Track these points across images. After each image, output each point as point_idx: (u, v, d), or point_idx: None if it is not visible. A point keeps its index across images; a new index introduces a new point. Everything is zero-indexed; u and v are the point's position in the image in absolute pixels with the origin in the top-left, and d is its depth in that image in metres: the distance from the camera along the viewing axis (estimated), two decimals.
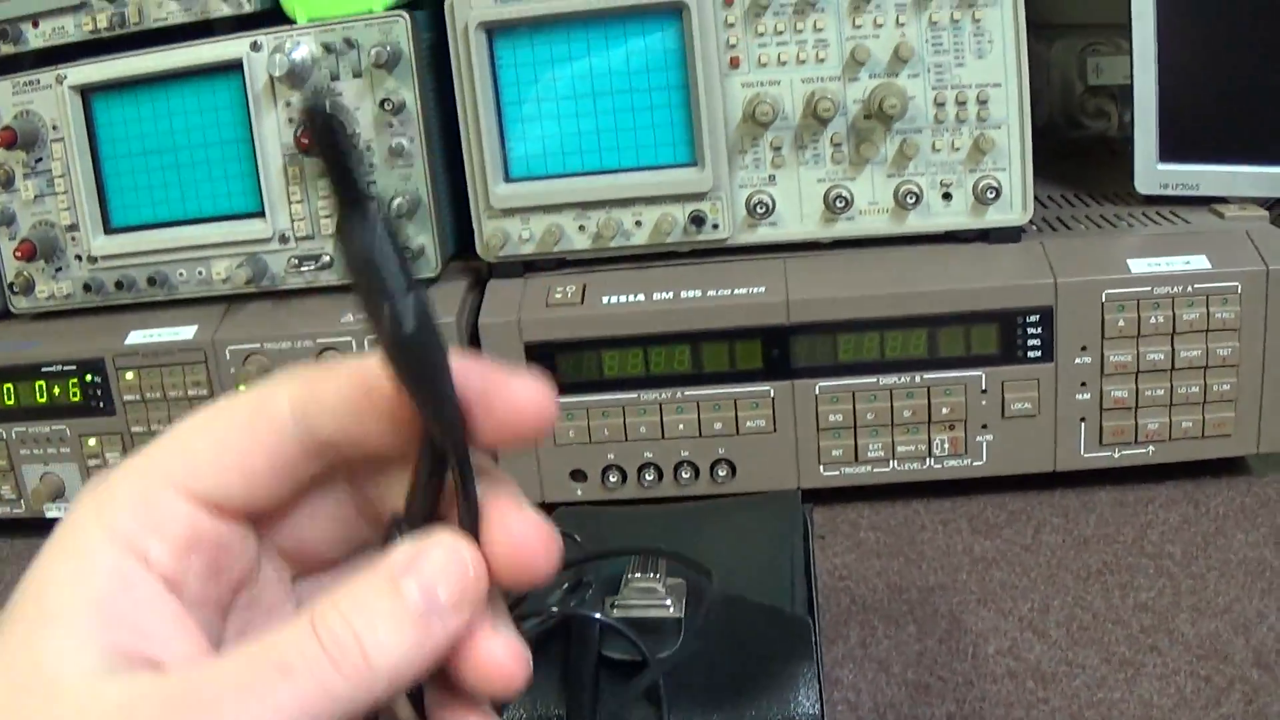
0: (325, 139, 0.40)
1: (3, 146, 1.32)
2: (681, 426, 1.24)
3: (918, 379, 1.21)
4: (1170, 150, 1.28)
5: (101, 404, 1.33)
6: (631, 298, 1.23)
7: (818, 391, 1.22)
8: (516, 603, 0.49)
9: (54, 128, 1.32)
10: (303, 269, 1.31)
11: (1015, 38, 1.20)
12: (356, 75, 1.26)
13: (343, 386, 0.45)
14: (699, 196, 1.25)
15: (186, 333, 1.31)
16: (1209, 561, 1.10)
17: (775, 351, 1.21)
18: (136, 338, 1.32)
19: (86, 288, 1.36)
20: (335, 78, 1.26)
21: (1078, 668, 0.97)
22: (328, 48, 1.25)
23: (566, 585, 0.83)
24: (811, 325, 1.20)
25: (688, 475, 1.25)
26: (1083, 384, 1.20)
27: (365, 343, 1.26)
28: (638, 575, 0.82)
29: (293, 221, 1.30)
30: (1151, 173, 1.29)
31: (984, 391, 1.20)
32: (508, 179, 1.27)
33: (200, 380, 1.29)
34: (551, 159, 1.26)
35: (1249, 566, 1.09)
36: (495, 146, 1.26)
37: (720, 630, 0.78)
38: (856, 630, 1.05)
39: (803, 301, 1.20)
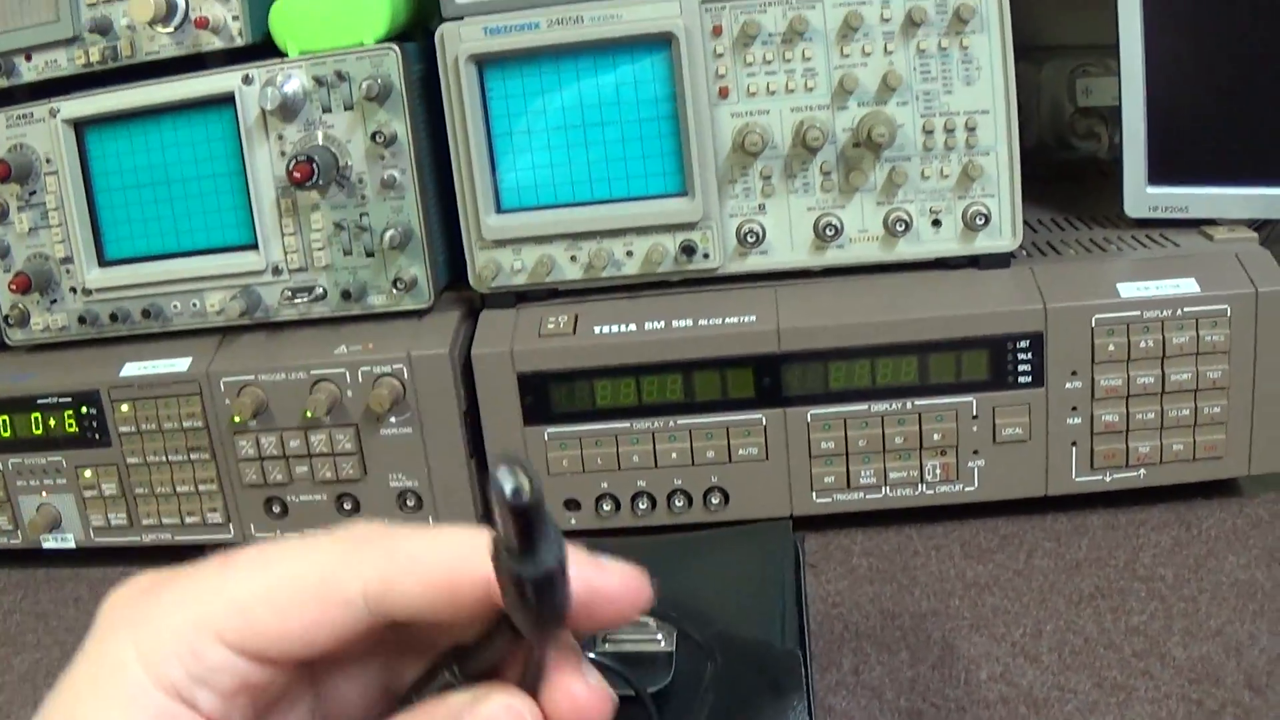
0: (523, 502, 0.42)
1: None
2: (674, 455, 1.24)
3: (909, 405, 1.21)
4: (1159, 173, 1.29)
5: (97, 435, 1.33)
6: (623, 327, 1.24)
7: (809, 419, 1.22)
8: None
9: (47, 161, 1.33)
10: (296, 301, 1.31)
11: (1003, 65, 1.20)
12: (348, 108, 1.26)
13: (426, 585, 0.46)
14: (689, 226, 1.25)
15: (181, 364, 1.31)
16: (1201, 584, 1.10)
17: (767, 379, 1.22)
18: (131, 370, 1.32)
19: (81, 320, 1.37)
20: (326, 110, 1.26)
21: (1070, 692, 0.97)
22: (319, 80, 1.26)
23: None
24: (803, 353, 1.21)
25: (681, 503, 1.25)
26: (1073, 408, 1.20)
27: (359, 375, 1.26)
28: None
29: (285, 254, 1.30)
30: (1140, 196, 1.30)
31: (975, 417, 1.21)
32: (499, 210, 1.28)
33: (195, 412, 1.30)
34: (542, 190, 1.27)
35: (1241, 589, 1.09)
36: (486, 177, 1.26)
37: (711, 665, 0.79)
38: (849, 657, 1.05)
39: (794, 330, 1.21)
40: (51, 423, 1.34)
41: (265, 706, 0.48)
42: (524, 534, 0.43)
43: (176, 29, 1.28)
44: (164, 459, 1.32)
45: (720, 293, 1.27)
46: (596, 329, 1.24)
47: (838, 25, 1.20)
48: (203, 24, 1.27)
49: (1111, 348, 1.18)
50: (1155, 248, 1.27)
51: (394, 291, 1.30)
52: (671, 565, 0.94)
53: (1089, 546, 1.19)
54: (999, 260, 1.25)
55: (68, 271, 1.36)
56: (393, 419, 1.27)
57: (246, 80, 1.27)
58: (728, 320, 1.22)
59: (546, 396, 1.25)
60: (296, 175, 1.23)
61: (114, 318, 1.35)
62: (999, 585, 1.14)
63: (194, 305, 1.34)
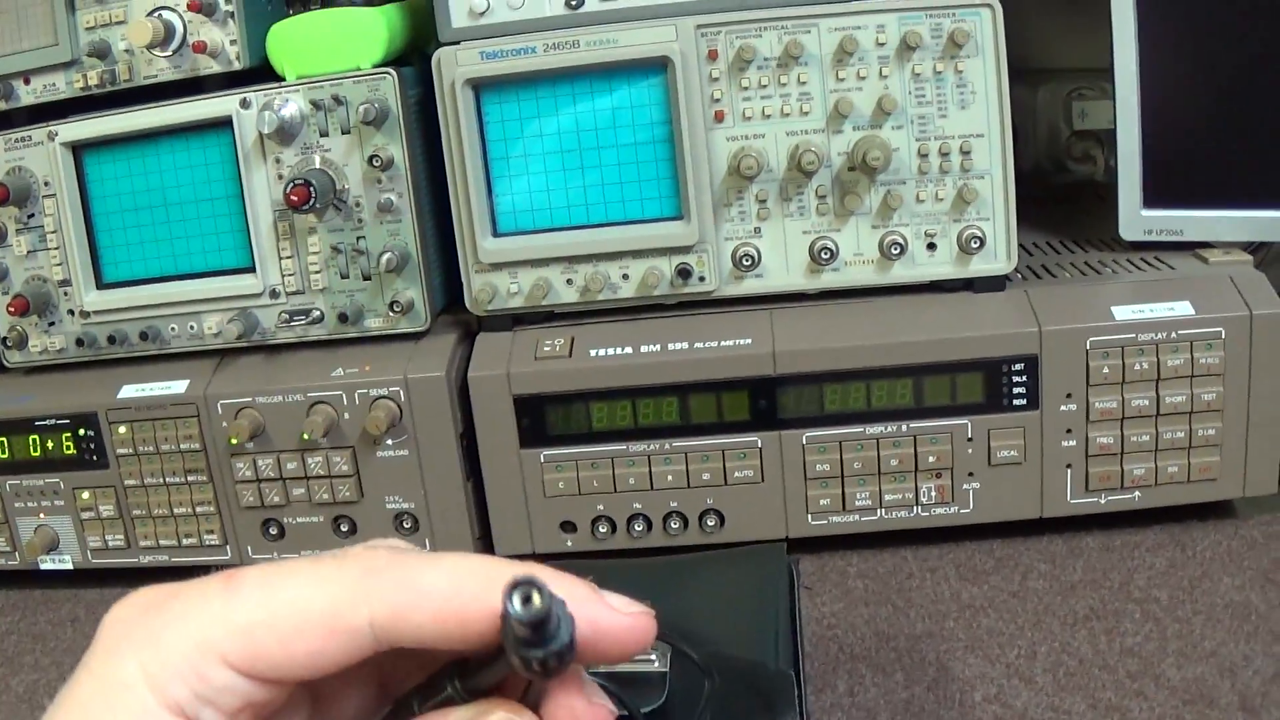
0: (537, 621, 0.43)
1: None
2: (670, 477, 1.24)
3: (904, 428, 1.21)
4: (1154, 196, 1.29)
5: (95, 457, 1.33)
6: (619, 350, 1.24)
7: (805, 441, 1.22)
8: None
9: (46, 184, 1.33)
10: (293, 323, 1.32)
11: (998, 88, 1.21)
12: (345, 131, 1.27)
13: (437, 617, 0.46)
14: (685, 249, 1.26)
15: (178, 387, 1.31)
16: (1195, 605, 1.11)
17: (762, 402, 1.22)
18: (129, 392, 1.33)
19: (79, 342, 1.37)
20: (324, 134, 1.27)
21: (1064, 714, 0.97)
22: (316, 104, 1.26)
23: None
24: (798, 376, 1.21)
25: (677, 525, 1.26)
26: (1068, 431, 1.20)
27: (356, 398, 1.26)
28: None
29: (283, 277, 1.31)
30: (1135, 219, 1.30)
31: (970, 440, 1.21)
32: (495, 233, 1.28)
33: (193, 434, 1.30)
34: (539, 213, 1.27)
35: (1235, 610, 1.09)
36: (483, 201, 1.27)
37: (706, 685, 0.79)
38: (844, 679, 1.05)
39: (789, 352, 1.21)
40: (49, 444, 1.34)
41: (267, 716, 0.48)
42: (536, 638, 0.44)
43: (174, 53, 1.29)
44: (161, 481, 1.32)
45: (716, 315, 1.28)
46: (592, 352, 1.25)
47: (833, 49, 1.20)
48: (200, 48, 1.28)
49: (1106, 370, 1.18)
50: (1150, 270, 1.27)
51: (391, 314, 1.30)
52: (666, 587, 0.94)
53: (1084, 568, 1.19)
54: (994, 283, 1.25)
55: (66, 294, 1.36)
56: (389, 441, 1.27)
57: (244, 104, 1.27)
58: (723, 343, 1.23)
59: (543, 419, 1.25)
60: (294, 199, 1.23)
61: (112, 340, 1.36)
62: (994, 607, 1.14)
63: (191, 328, 1.34)
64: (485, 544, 1.31)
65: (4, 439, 1.35)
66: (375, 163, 1.26)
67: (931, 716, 0.99)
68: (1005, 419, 1.20)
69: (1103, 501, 1.23)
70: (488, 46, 1.23)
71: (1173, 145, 1.28)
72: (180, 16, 1.28)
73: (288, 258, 1.30)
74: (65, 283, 1.35)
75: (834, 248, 1.24)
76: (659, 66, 1.22)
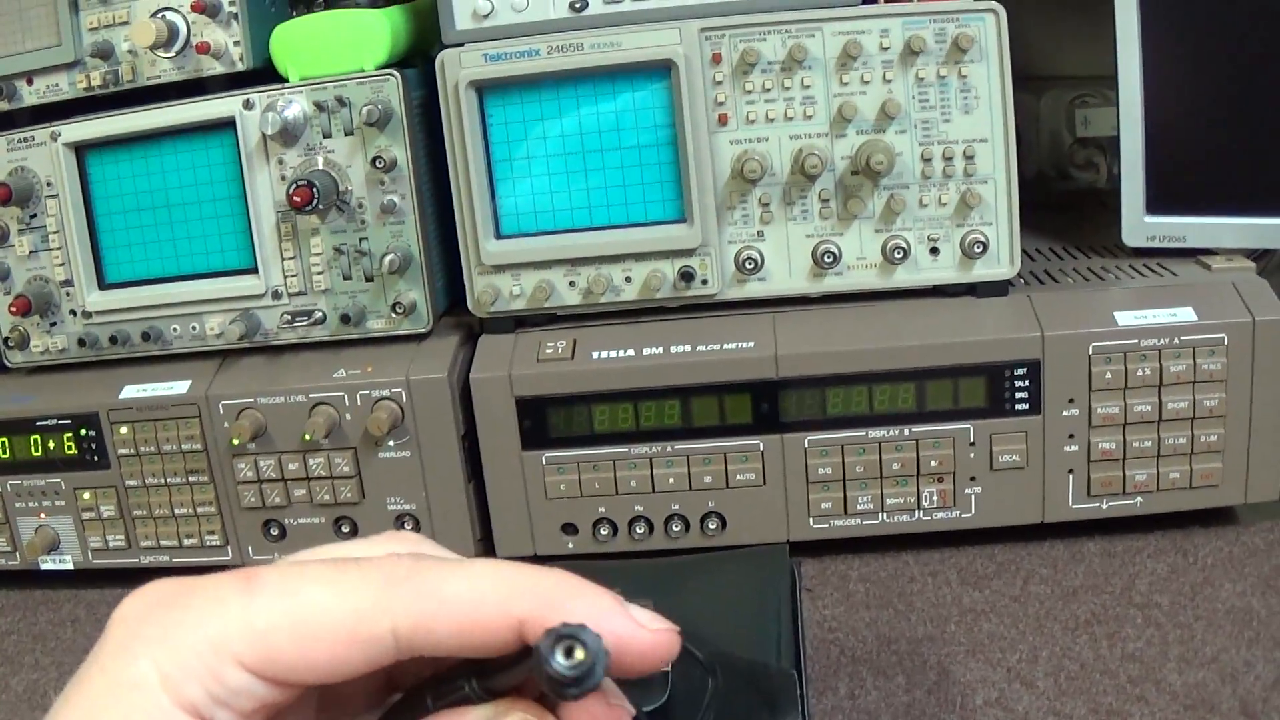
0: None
1: None
2: (672, 480, 1.24)
3: (906, 432, 1.21)
4: (1157, 203, 1.29)
5: (96, 458, 1.33)
6: (622, 353, 1.24)
7: (807, 445, 1.22)
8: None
9: (48, 184, 1.33)
10: (295, 324, 1.32)
11: (1001, 94, 1.21)
12: (348, 133, 1.27)
13: (461, 628, 0.46)
14: (688, 252, 1.26)
15: (180, 387, 1.31)
16: (1197, 611, 1.10)
17: (764, 405, 1.22)
18: (131, 392, 1.33)
19: (81, 343, 1.37)
20: (327, 135, 1.27)
21: (1065, 718, 0.97)
22: (319, 106, 1.26)
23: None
24: (800, 379, 1.21)
25: (678, 528, 1.26)
26: (1070, 436, 1.20)
27: (358, 399, 1.26)
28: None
29: (285, 278, 1.31)
30: (1138, 225, 1.30)
31: (972, 444, 1.21)
32: (498, 235, 1.28)
33: (194, 434, 1.30)
34: (542, 216, 1.27)
35: (1236, 616, 1.09)
36: (486, 203, 1.27)
37: (709, 684, 0.79)
38: (845, 682, 1.05)
39: (791, 356, 1.21)
40: (51, 445, 1.34)
41: (277, 713, 0.48)
42: (574, 682, 0.44)
43: (178, 54, 1.29)
44: (163, 481, 1.32)
45: (719, 319, 1.28)
46: (595, 354, 1.25)
47: (837, 53, 1.20)
48: (204, 49, 1.28)
49: (1109, 376, 1.18)
50: (1153, 277, 1.27)
51: (393, 316, 1.30)
52: (668, 587, 0.94)
53: (1085, 573, 1.19)
54: (997, 288, 1.25)
55: (68, 294, 1.36)
56: (391, 442, 1.27)
57: (247, 105, 1.27)
58: (726, 346, 1.23)
59: (544, 421, 1.25)
60: (296, 199, 1.23)
61: (114, 340, 1.36)
62: (995, 611, 1.14)
63: (193, 328, 1.34)
64: (486, 546, 1.30)
65: (5, 439, 1.35)
66: (378, 164, 1.26)
67: None
68: (1007, 424, 1.20)
69: (1104, 507, 1.23)
70: (491, 49, 1.23)
71: (1176, 152, 1.28)
72: (184, 17, 1.28)
73: (290, 259, 1.30)
74: (67, 283, 1.35)
75: (837, 251, 1.24)
76: (663, 70, 1.22)
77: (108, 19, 1.30)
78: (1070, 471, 1.22)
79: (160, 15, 1.27)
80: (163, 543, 1.34)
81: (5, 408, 1.36)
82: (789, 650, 0.86)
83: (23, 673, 1.23)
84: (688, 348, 1.23)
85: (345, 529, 1.31)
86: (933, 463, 1.21)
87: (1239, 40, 1.24)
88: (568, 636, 0.43)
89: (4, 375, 1.44)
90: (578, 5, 1.23)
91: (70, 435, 1.33)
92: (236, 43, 1.28)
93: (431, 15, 1.27)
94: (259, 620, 0.46)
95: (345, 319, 1.30)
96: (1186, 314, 1.19)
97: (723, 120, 1.23)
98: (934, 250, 1.24)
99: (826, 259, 1.24)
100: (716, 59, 1.22)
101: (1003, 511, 1.23)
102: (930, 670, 1.06)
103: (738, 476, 1.24)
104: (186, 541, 1.33)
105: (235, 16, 1.28)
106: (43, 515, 1.37)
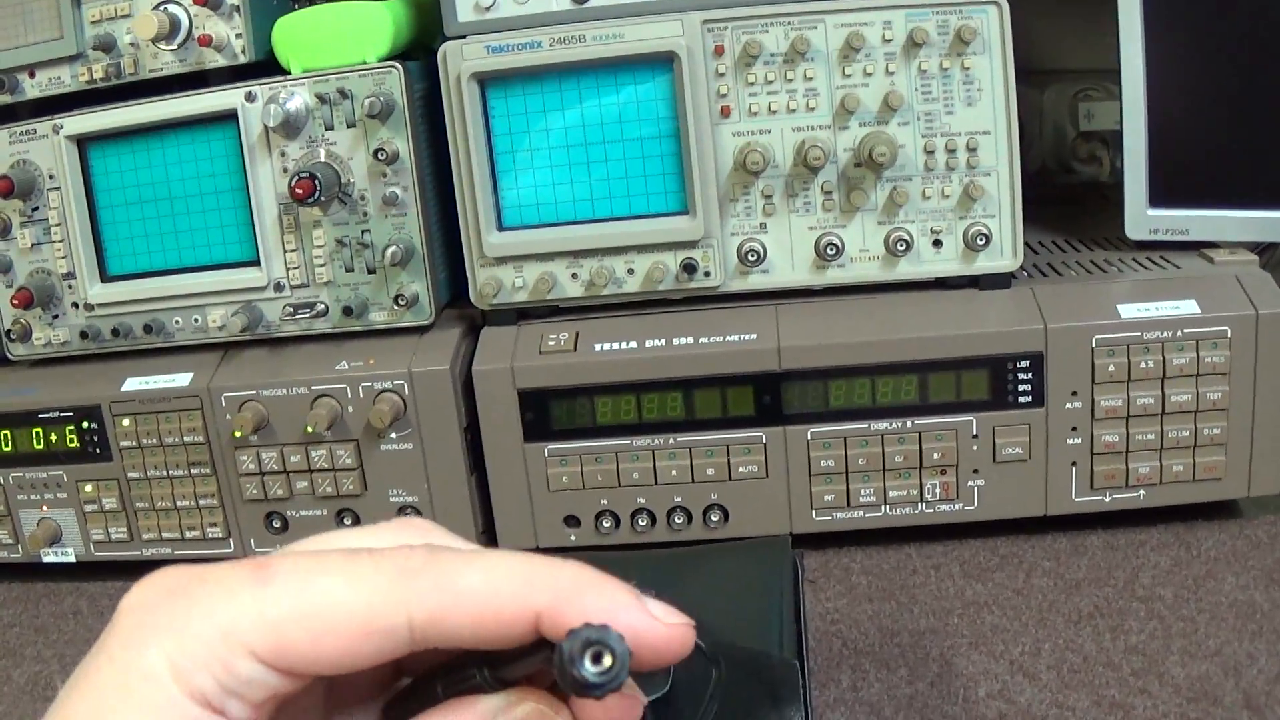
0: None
1: (0, 195, 1.32)
2: (674, 472, 1.24)
3: (909, 424, 1.21)
4: (1160, 195, 1.29)
5: (98, 450, 1.33)
6: (624, 345, 1.24)
7: (809, 437, 1.22)
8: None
9: (50, 177, 1.33)
10: (297, 317, 1.32)
11: (1004, 86, 1.20)
12: (350, 125, 1.26)
13: (477, 620, 0.46)
14: (691, 244, 1.26)
15: (182, 380, 1.31)
16: (1200, 604, 1.10)
17: (767, 398, 1.22)
18: (133, 384, 1.33)
19: (83, 335, 1.37)
20: (329, 127, 1.27)
21: (1068, 710, 0.97)
22: (321, 98, 1.26)
23: None
24: (803, 371, 1.21)
25: (680, 521, 1.25)
26: (1073, 428, 1.20)
27: (360, 391, 1.26)
28: None
29: (287, 270, 1.31)
30: (1141, 218, 1.30)
31: (975, 436, 1.21)
32: (501, 227, 1.28)
33: (196, 427, 1.30)
34: (544, 208, 1.27)
35: (1239, 609, 1.09)
36: (488, 195, 1.26)
37: (712, 673, 0.79)
38: (848, 674, 1.05)
39: (794, 348, 1.21)
40: (53, 437, 1.34)
41: (286, 701, 0.48)
42: (599, 685, 0.44)
43: (180, 46, 1.29)
44: (165, 473, 1.32)
45: (721, 311, 1.27)
46: (597, 346, 1.25)
47: (839, 45, 1.20)
48: (206, 41, 1.28)
49: (1112, 368, 1.18)
50: (1156, 269, 1.27)
51: (395, 308, 1.30)
52: (670, 577, 0.94)
53: (1088, 566, 1.19)
54: (1000, 280, 1.25)
55: (70, 287, 1.36)
56: (393, 435, 1.27)
57: (249, 97, 1.27)
58: (728, 338, 1.23)
59: (547, 413, 1.25)
60: (298, 192, 1.23)
61: (116, 333, 1.36)
62: (998, 604, 1.14)
63: (196, 321, 1.34)
64: (489, 538, 1.30)
65: (7, 431, 1.35)
66: (380, 156, 1.26)
67: (935, 712, 0.98)
68: (1010, 416, 1.20)
69: (1107, 500, 1.22)
70: (494, 41, 1.23)
71: (1179, 145, 1.28)
72: (185, 10, 1.28)
73: (292, 251, 1.30)
74: (69, 275, 1.35)
75: (839, 244, 1.24)
76: (665, 62, 1.22)
77: (110, 12, 1.30)
78: (1073, 464, 1.21)
79: (162, 8, 1.27)
80: (165, 535, 1.34)
81: (7, 400, 1.36)
82: (791, 641, 0.86)
83: (25, 665, 1.23)
84: (690, 340, 1.23)
85: (347, 521, 1.31)
86: (935, 455, 1.21)
87: (1242, 33, 1.24)
88: (595, 642, 0.43)
89: (6, 368, 1.44)
90: None
91: (72, 427, 1.33)
92: (238, 35, 1.28)
93: (434, 7, 1.26)
94: (271, 611, 0.45)
95: (347, 311, 1.30)
96: (1189, 307, 1.18)
97: (725, 112, 1.23)
98: (937, 243, 1.24)
99: (829, 251, 1.24)
100: (719, 51, 1.21)
101: (1005, 504, 1.23)
102: (933, 662, 1.06)
103: (740, 469, 1.24)
104: (189, 534, 1.33)
105: (237, 9, 1.28)
106: (45, 507, 1.37)
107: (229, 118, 1.28)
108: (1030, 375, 1.19)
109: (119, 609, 0.47)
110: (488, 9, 1.24)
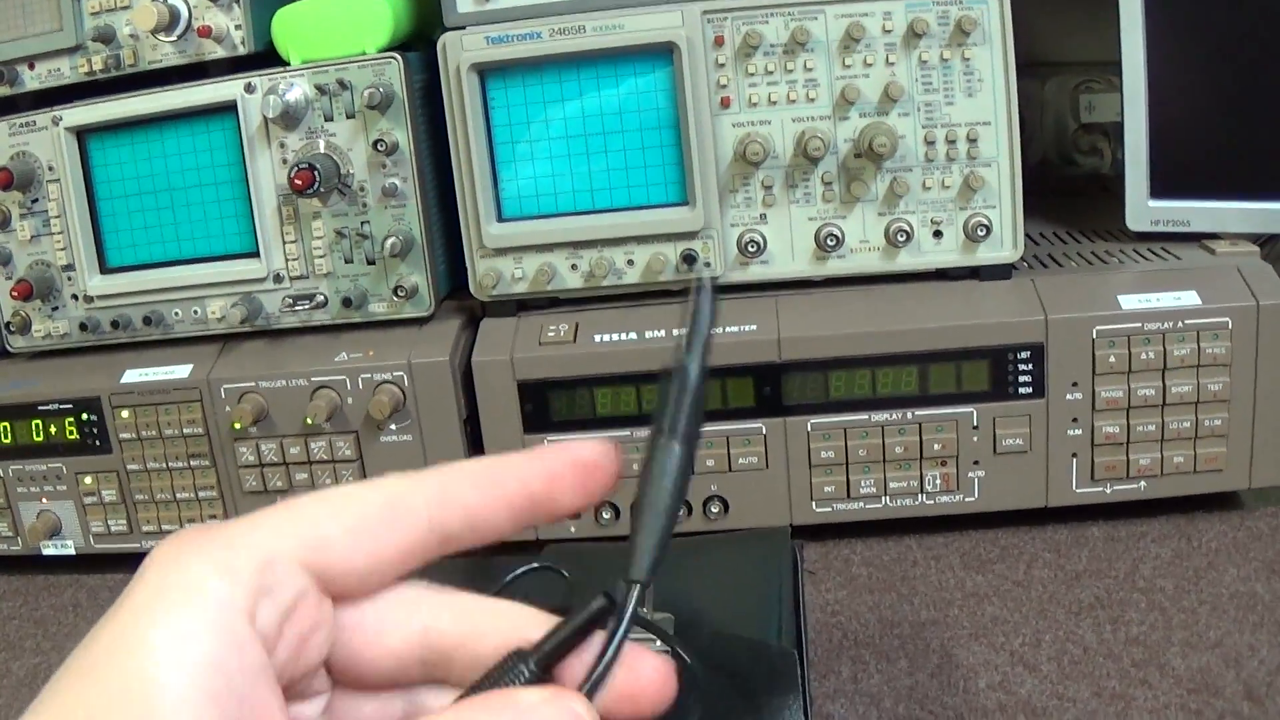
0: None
1: (0, 187, 1.32)
2: None
3: (909, 415, 1.21)
4: (1161, 187, 1.29)
5: (98, 442, 1.33)
6: (624, 336, 1.24)
7: (810, 428, 1.22)
8: None
9: (50, 168, 1.33)
10: (297, 308, 1.31)
11: (1005, 76, 1.20)
12: (350, 116, 1.26)
13: (476, 487, 0.48)
14: (691, 235, 1.26)
15: (182, 371, 1.31)
16: (1200, 595, 1.10)
17: (767, 389, 1.22)
18: (132, 376, 1.32)
19: (83, 327, 1.37)
20: (328, 118, 1.27)
21: (1068, 701, 0.97)
22: (321, 89, 1.26)
23: None
24: (803, 363, 1.21)
25: (680, 512, 1.25)
26: (1074, 420, 1.20)
27: (360, 383, 1.26)
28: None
29: (287, 261, 1.31)
30: (1143, 209, 1.30)
31: (975, 428, 1.21)
32: (500, 219, 1.28)
33: (195, 418, 1.30)
34: (544, 199, 1.27)
35: (1240, 600, 1.09)
36: (488, 186, 1.26)
37: (708, 664, 0.79)
38: (848, 665, 1.05)
39: (794, 339, 1.21)
40: (52, 429, 1.34)
41: (300, 669, 0.47)
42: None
43: (179, 38, 1.29)
44: (164, 465, 1.32)
45: (721, 302, 1.26)
46: (597, 337, 1.25)
47: (839, 36, 1.20)
48: (205, 33, 1.27)
49: (1112, 359, 1.18)
50: (1157, 261, 1.27)
51: (395, 299, 1.30)
52: (670, 567, 0.94)
53: (1089, 558, 1.18)
54: (1000, 271, 1.25)
55: (69, 279, 1.36)
56: (393, 426, 1.27)
57: (249, 89, 1.27)
58: (728, 329, 1.22)
59: (546, 404, 1.25)
60: (298, 183, 1.23)
61: (115, 325, 1.36)
62: (998, 595, 1.13)
63: (195, 312, 1.34)
64: None
65: (7, 424, 1.35)
66: (380, 147, 1.26)
67: (935, 703, 0.98)
68: (1011, 407, 1.20)
69: (1108, 491, 1.22)
70: (493, 31, 1.23)
71: (1180, 136, 1.27)
72: (185, 1, 1.28)
73: (292, 242, 1.30)
74: (69, 267, 1.35)
75: (840, 234, 1.24)
76: (665, 52, 1.22)
77: (109, 3, 1.30)
78: (1074, 455, 1.21)
79: (161, 0, 1.27)
80: (164, 527, 1.34)
81: (7, 392, 1.36)
82: (790, 631, 0.86)
83: (24, 658, 1.23)
84: None
85: None
86: (935, 446, 1.21)
87: (1243, 25, 1.23)
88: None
89: (6, 360, 1.44)
90: None
91: (72, 420, 1.33)
92: (238, 26, 1.28)
93: None
94: (306, 515, 0.46)
95: (347, 302, 1.30)
96: (1190, 298, 1.18)
97: (725, 103, 1.23)
98: (937, 233, 1.24)
99: (829, 242, 1.24)
100: (719, 41, 1.21)
101: (1006, 495, 1.23)
102: (933, 654, 1.05)
103: (740, 460, 1.24)
104: (188, 526, 1.33)
105: (236, 0, 1.27)
106: (44, 500, 1.37)
107: (228, 109, 1.28)
108: (1031, 366, 1.19)
109: (147, 560, 0.45)
110: (487, 0, 1.24)
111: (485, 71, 1.24)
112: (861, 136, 1.21)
